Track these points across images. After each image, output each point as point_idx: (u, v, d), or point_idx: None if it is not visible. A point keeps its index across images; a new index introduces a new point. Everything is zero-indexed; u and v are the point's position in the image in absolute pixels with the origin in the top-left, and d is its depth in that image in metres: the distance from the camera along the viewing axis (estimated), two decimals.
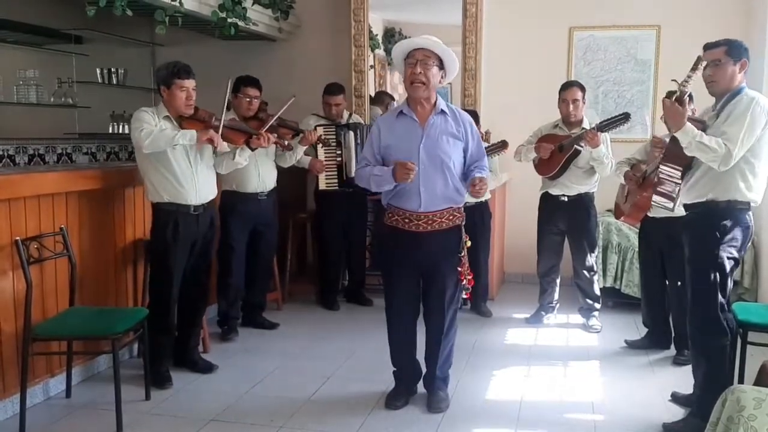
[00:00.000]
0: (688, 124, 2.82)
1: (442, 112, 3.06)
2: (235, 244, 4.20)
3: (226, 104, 3.58)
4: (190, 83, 3.42)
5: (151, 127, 3.31)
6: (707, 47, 2.91)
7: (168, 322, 3.49)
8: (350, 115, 5.02)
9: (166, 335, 3.49)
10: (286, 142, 4.13)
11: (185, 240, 3.46)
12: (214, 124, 3.49)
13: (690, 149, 2.83)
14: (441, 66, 3.00)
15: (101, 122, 6.18)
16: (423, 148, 3.01)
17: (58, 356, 3.30)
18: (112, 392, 2.97)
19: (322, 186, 4.80)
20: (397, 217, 3.10)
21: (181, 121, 3.46)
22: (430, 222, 3.04)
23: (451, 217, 3.07)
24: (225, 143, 3.55)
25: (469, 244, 3.11)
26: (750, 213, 2.91)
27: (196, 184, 3.45)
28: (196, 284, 3.64)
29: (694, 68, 2.87)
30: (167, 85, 3.40)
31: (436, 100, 3.07)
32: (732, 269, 2.91)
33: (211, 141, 3.39)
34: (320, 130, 4.62)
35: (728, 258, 2.88)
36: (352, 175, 4.61)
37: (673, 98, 2.85)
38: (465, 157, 3.09)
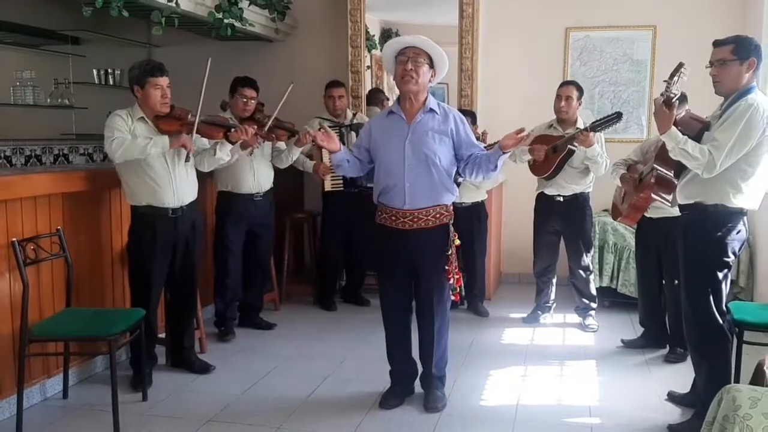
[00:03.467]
0: (674, 128, 2.80)
1: (431, 110, 3.07)
2: (232, 245, 4.20)
3: (202, 96, 3.40)
4: (164, 81, 3.38)
5: (123, 136, 3.25)
6: (716, 44, 2.84)
7: (148, 324, 3.41)
8: (354, 115, 5.02)
9: (146, 338, 3.40)
10: (273, 135, 4.05)
11: (164, 243, 3.42)
12: (191, 121, 3.40)
13: (674, 154, 2.83)
14: (431, 65, 3.02)
15: (98, 123, 6.05)
16: (408, 144, 3.02)
17: (55, 357, 3.30)
18: (109, 393, 2.97)
19: (327, 187, 4.80)
20: (385, 215, 3.12)
21: (157, 121, 3.39)
22: (416, 219, 3.04)
23: (437, 216, 3.07)
24: (205, 140, 3.51)
25: (457, 243, 3.11)
26: (744, 218, 2.87)
27: (175, 186, 3.39)
28: (182, 287, 3.62)
29: (672, 75, 2.83)
30: (141, 84, 3.36)
31: (426, 98, 3.08)
32: (726, 273, 2.89)
33: (184, 146, 3.33)
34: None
35: (719, 261, 2.85)
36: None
37: (662, 101, 2.83)
38: (456, 155, 3.10)
